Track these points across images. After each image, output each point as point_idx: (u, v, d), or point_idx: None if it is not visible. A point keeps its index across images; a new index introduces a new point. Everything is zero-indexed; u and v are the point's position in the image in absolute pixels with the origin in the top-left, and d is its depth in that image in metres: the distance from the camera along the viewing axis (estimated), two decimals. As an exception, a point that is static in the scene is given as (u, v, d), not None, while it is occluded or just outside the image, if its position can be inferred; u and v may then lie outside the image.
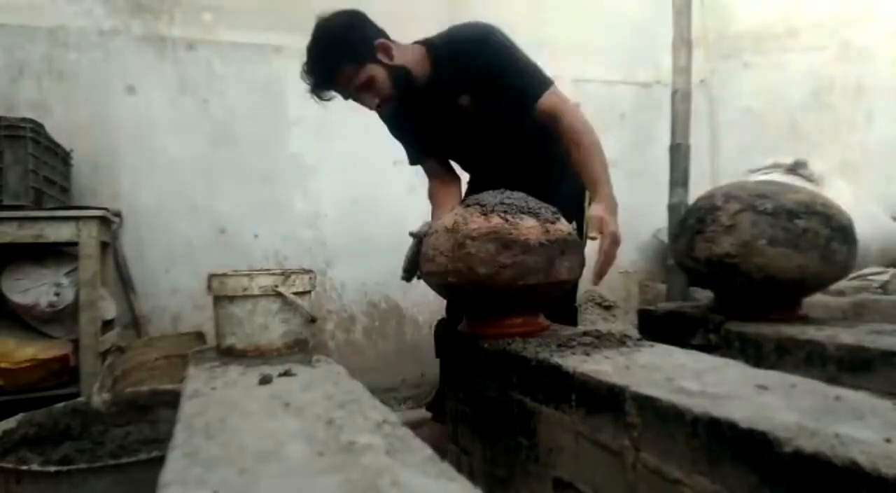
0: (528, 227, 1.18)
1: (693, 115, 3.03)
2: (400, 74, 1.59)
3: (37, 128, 1.97)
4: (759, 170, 2.66)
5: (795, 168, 2.54)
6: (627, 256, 3.35)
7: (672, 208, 2.90)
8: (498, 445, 1.20)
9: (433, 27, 1.75)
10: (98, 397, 1.45)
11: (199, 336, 2.18)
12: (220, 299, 1.22)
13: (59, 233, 1.91)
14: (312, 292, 1.29)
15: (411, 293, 2.86)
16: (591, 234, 1.50)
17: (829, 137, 3.19)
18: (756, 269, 1.29)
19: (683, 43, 3.04)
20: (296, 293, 1.21)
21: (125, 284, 2.41)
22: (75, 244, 1.94)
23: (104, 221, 2.11)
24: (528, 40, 3.19)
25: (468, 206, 1.25)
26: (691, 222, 1.42)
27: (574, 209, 1.76)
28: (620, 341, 1.16)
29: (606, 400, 0.86)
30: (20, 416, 1.33)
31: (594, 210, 1.56)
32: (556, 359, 1.01)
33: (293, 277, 1.22)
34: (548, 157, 1.81)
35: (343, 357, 2.66)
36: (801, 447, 0.59)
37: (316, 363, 1.10)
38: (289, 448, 0.64)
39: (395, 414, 0.75)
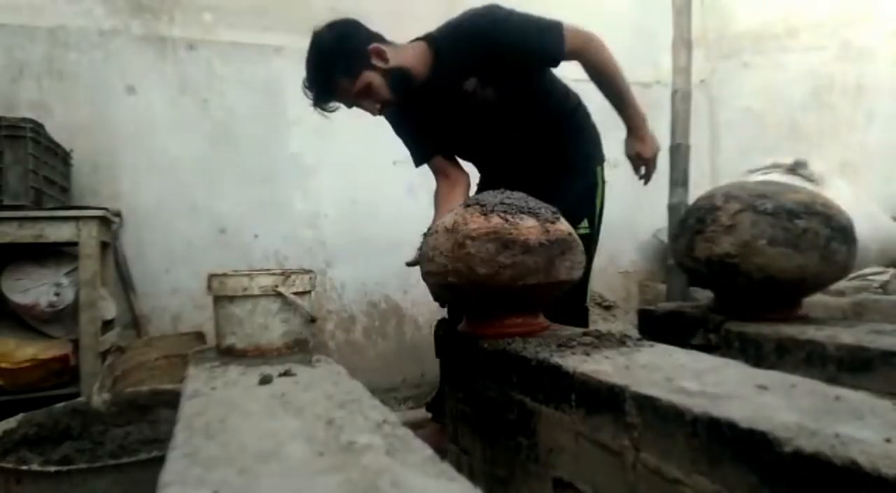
0: (528, 227, 1.18)
1: (693, 115, 3.03)
2: (397, 76, 1.59)
3: (37, 128, 1.97)
4: (758, 170, 2.66)
5: (795, 168, 2.54)
6: (627, 256, 3.35)
7: (672, 208, 2.90)
8: (498, 445, 1.20)
9: (432, 27, 1.75)
10: (98, 398, 1.45)
11: (199, 336, 2.18)
12: (220, 299, 1.22)
13: (59, 233, 1.91)
14: (312, 292, 1.29)
15: (411, 293, 2.86)
16: (637, 175, 1.92)
17: (829, 137, 3.19)
18: (756, 269, 1.29)
19: (683, 43, 3.04)
20: (296, 293, 1.21)
21: (125, 284, 2.42)
22: (75, 244, 1.95)
23: (104, 221, 2.11)
24: (528, 40, 3.14)
25: (468, 206, 1.25)
26: (691, 222, 1.42)
27: (587, 204, 1.78)
28: (620, 341, 1.16)
29: (606, 400, 0.86)
30: (20, 416, 1.33)
31: (629, 149, 1.89)
32: (556, 359, 1.01)
33: (293, 277, 1.22)
34: (559, 148, 1.79)
35: (343, 357, 2.66)
36: (801, 446, 0.59)
37: (316, 363, 1.10)
38: (289, 448, 0.64)
39: (395, 414, 0.75)
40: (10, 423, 1.30)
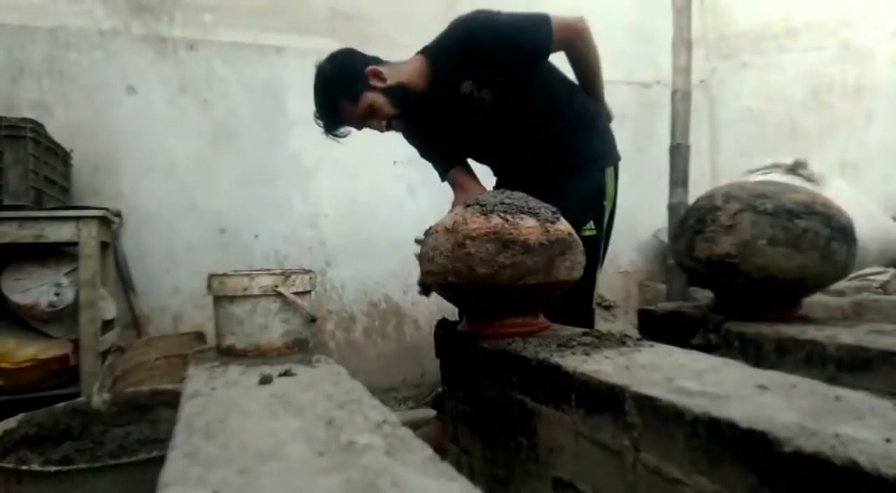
0: (528, 227, 1.18)
1: (693, 115, 3.03)
2: (396, 92, 1.66)
3: (37, 128, 1.97)
4: (758, 170, 2.66)
5: (795, 168, 2.54)
6: (627, 256, 3.35)
7: (672, 208, 2.90)
8: (498, 445, 1.20)
9: (432, 27, 1.75)
10: (98, 397, 1.45)
11: (200, 336, 2.18)
12: (220, 299, 1.22)
13: (59, 233, 1.91)
14: (312, 292, 1.29)
15: (411, 293, 2.86)
16: None
17: (829, 137, 3.19)
18: (756, 269, 1.29)
19: (683, 43, 3.04)
20: (296, 293, 1.21)
21: (125, 284, 2.42)
22: (75, 244, 1.95)
23: (104, 221, 2.11)
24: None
25: (468, 206, 1.25)
26: (691, 222, 1.42)
27: (594, 205, 1.79)
28: (620, 341, 1.16)
29: (606, 400, 0.86)
30: (20, 416, 1.33)
31: None
32: (556, 359, 1.01)
33: (293, 277, 1.22)
34: (564, 149, 1.81)
35: (343, 357, 2.66)
36: (801, 446, 0.59)
37: (316, 363, 1.10)
38: (289, 448, 0.64)
39: (395, 414, 0.75)
40: (10, 423, 1.30)
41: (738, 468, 0.66)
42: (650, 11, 3.31)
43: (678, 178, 2.93)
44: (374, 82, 1.66)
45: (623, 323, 3.05)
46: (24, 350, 1.92)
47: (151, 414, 1.48)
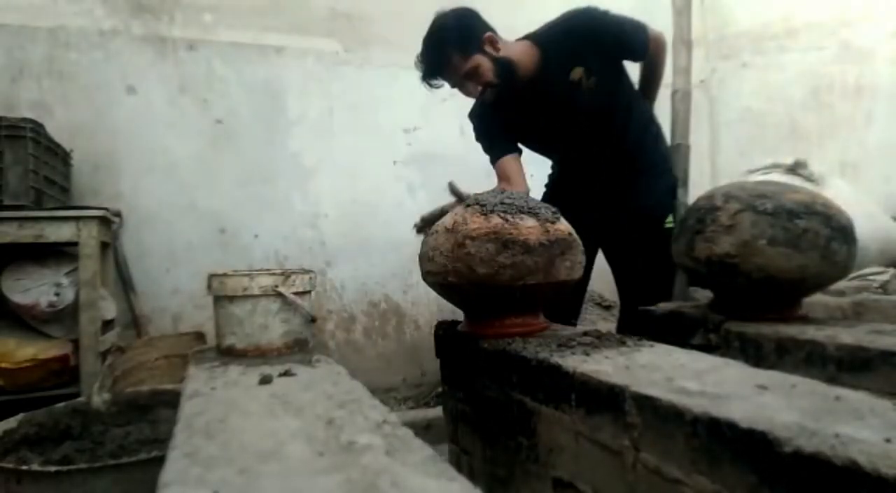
0: (528, 227, 1.18)
1: (693, 115, 3.02)
2: (504, 65, 1.72)
3: (37, 128, 1.97)
4: (758, 170, 2.66)
5: (795, 168, 2.54)
6: (627, 256, 3.35)
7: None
8: (498, 445, 1.20)
9: (433, 27, 1.75)
10: (98, 397, 1.45)
11: (200, 336, 2.18)
12: (220, 299, 1.22)
13: (59, 233, 1.91)
14: (312, 292, 1.29)
15: (411, 293, 2.86)
16: None
17: (829, 137, 3.19)
18: (756, 269, 1.29)
19: (683, 43, 3.03)
20: (296, 293, 1.21)
21: (125, 284, 2.42)
22: (75, 244, 1.95)
23: (104, 221, 2.11)
24: (528, 40, 3.11)
25: (468, 206, 1.25)
26: (691, 222, 1.42)
27: (671, 200, 1.93)
28: (620, 341, 1.16)
29: (606, 400, 0.86)
30: (20, 416, 1.33)
31: None
32: (556, 359, 1.01)
33: (293, 277, 1.22)
34: (645, 147, 1.91)
35: (343, 357, 2.66)
36: (801, 446, 0.59)
37: (316, 363, 1.10)
38: (289, 448, 0.64)
39: (395, 414, 0.75)
40: (11, 423, 1.30)
41: (738, 468, 0.66)
42: (650, 11, 3.30)
43: (678, 178, 2.92)
44: (488, 48, 1.71)
45: (623, 323, 3.04)
46: (24, 350, 1.92)
47: (151, 414, 1.48)
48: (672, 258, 1.51)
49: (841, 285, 2.11)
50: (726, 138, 3.48)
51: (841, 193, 2.21)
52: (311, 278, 1.27)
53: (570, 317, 1.97)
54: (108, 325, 2.12)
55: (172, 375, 1.84)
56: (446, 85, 1.80)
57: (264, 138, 2.70)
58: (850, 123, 3.15)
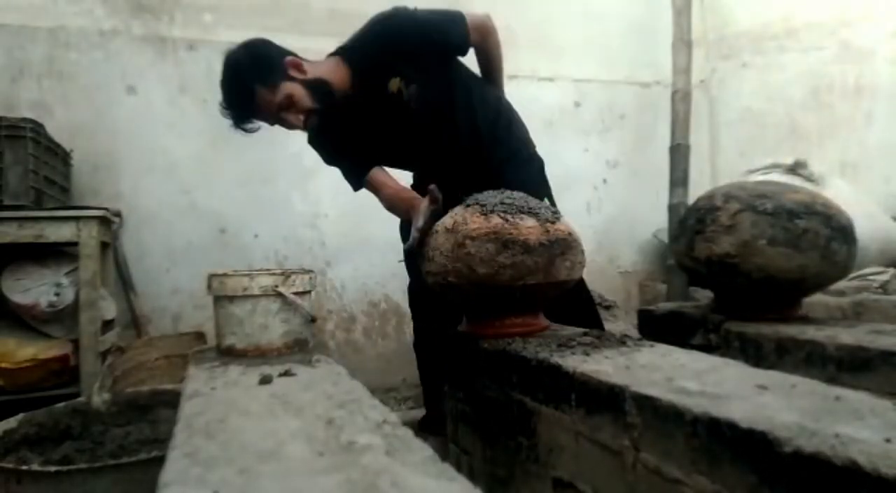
0: (528, 227, 1.18)
1: (693, 115, 3.03)
2: (317, 86, 1.58)
3: (37, 128, 1.97)
4: (758, 170, 2.66)
5: (795, 168, 2.54)
6: (627, 256, 3.35)
7: (672, 208, 2.90)
8: (498, 445, 1.20)
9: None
10: (98, 397, 1.45)
11: (200, 336, 2.18)
12: (220, 299, 1.22)
13: (59, 233, 1.91)
14: (312, 292, 1.29)
15: (411, 293, 2.86)
16: None
17: (829, 137, 3.19)
18: (756, 269, 1.29)
19: (683, 43, 3.04)
20: (296, 293, 1.21)
21: (125, 284, 2.41)
22: (75, 244, 1.95)
23: (104, 221, 2.11)
24: (528, 40, 3.19)
25: (468, 206, 1.25)
26: (691, 222, 1.42)
27: (544, 184, 1.79)
28: (620, 341, 1.16)
29: (606, 400, 0.86)
30: (20, 416, 1.33)
31: None
32: (556, 359, 1.01)
33: (293, 277, 1.22)
34: (498, 138, 1.77)
35: (343, 357, 2.66)
36: (801, 447, 0.59)
37: (316, 363, 1.10)
38: (289, 448, 0.64)
39: (394, 414, 0.75)
40: (11, 423, 1.30)
41: (738, 468, 0.66)
42: (650, 11, 3.31)
43: (678, 178, 2.93)
44: (294, 73, 1.57)
45: (623, 323, 3.04)
46: (24, 350, 1.92)
47: (151, 414, 1.48)
48: None
49: (841, 285, 2.11)
50: (726, 138, 3.48)
51: (841, 194, 2.21)
52: (311, 278, 1.27)
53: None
54: (108, 325, 2.12)
55: (172, 375, 1.84)
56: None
57: (264, 138, 2.69)
58: (850, 123, 3.15)
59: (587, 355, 1.04)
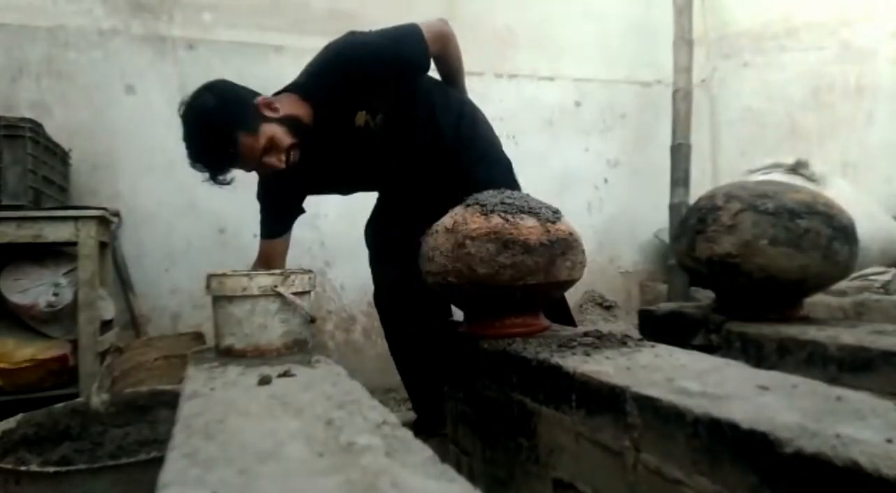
0: (529, 227, 1.18)
1: (694, 114, 3.03)
2: (292, 123, 1.53)
3: (36, 128, 1.97)
4: (759, 170, 2.66)
5: (796, 168, 2.54)
6: (628, 256, 3.35)
7: (673, 208, 2.90)
8: (498, 445, 1.20)
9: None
10: (97, 398, 1.44)
11: (199, 336, 2.18)
12: (219, 299, 1.22)
13: (57, 233, 1.91)
14: (312, 292, 1.28)
15: (411, 293, 2.85)
16: None
17: (830, 137, 3.19)
18: (757, 269, 1.29)
19: (684, 43, 3.04)
20: (295, 293, 1.20)
21: (124, 284, 2.41)
22: (74, 244, 1.94)
23: (103, 221, 2.11)
24: (528, 39, 3.18)
25: (468, 206, 1.25)
26: (692, 222, 1.42)
27: (513, 182, 1.75)
28: (621, 341, 1.15)
29: (607, 401, 0.86)
30: (19, 416, 1.32)
31: None
32: (557, 359, 1.01)
33: (293, 277, 1.21)
34: (466, 141, 1.74)
35: (343, 357, 2.66)
36: (802, 447, 0.59)
37: (315, 364, 1.10)
38: (288, 449, 0.64)
39: (394, 415, 0.75)
40: (10, 423, 1.29)
41: (738, 468, 0.65)
42: (651, 11, 3.31)
43: (679, 177, 2.93)
44: (269, 113, 1.50)
45: (624, 323, 3.04)
46: (23, 350, 1.92)
47: (150, 415, 1.47)
48: None
49: (842, 285, 2.11)
50: (727, 138, 3.48)
51: (842, 193, 2.21)
52: (310, 278, 1.26)
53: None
54: (106, 325, 2.12)
55: (171, 375, 1.84)
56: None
57: (264, 138, 2.70)
58: (850, 122, 3.15)
59: (588, 355, 1.04)
